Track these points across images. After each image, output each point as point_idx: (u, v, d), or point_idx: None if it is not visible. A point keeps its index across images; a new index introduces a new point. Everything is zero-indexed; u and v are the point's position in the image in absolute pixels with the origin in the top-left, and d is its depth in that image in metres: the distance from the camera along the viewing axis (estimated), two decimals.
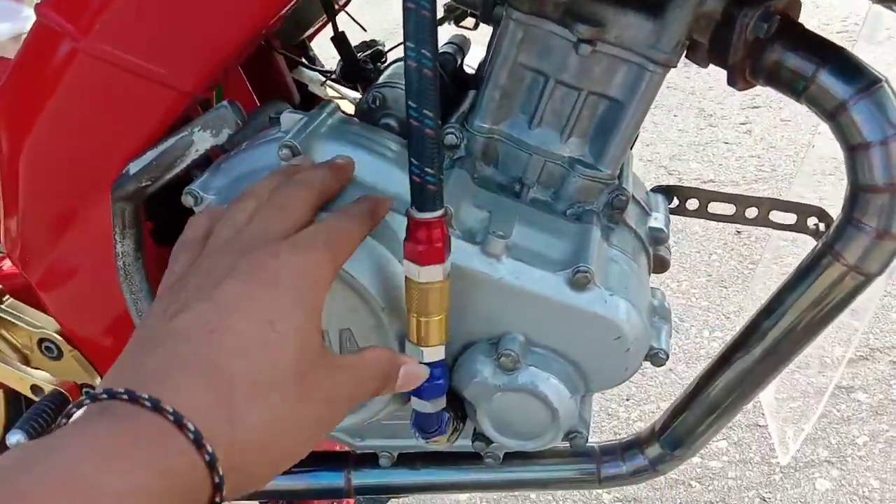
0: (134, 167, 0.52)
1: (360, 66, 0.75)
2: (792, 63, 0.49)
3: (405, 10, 0.42)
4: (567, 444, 0.65)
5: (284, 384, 0.35)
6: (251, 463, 0.33)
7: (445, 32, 0.79)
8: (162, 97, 0.56)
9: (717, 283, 1.94)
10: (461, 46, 0.73)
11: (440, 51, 0.71)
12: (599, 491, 1.40)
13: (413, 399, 0.51)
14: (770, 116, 2.80)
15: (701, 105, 2.92)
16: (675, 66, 0.53)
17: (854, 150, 0.48)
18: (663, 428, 0.66)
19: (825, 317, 0.54)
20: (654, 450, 0.67)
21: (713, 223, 2.22)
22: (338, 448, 0.75)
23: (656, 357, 0.54)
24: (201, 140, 0.51)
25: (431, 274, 0.45)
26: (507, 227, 0.53)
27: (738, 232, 2.17)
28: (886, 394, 1.51)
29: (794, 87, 0.49)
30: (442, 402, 0.51)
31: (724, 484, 1.37)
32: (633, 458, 0.68)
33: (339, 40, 0.76)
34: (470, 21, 0.76)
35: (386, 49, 0.80)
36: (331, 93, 0.87)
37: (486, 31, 0.62)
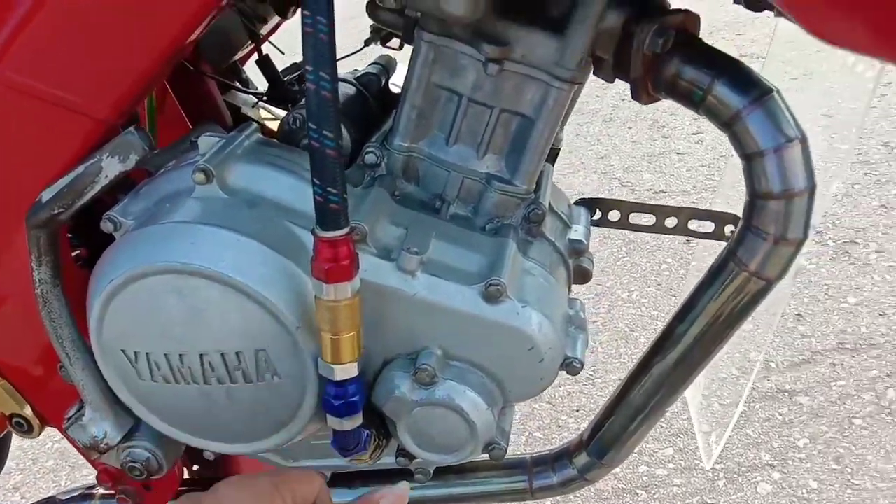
0: (46, 195, 0.52)
1: (285, 87, 0.76)
2: (689, 76, 0.51)
3: (304, 33, 0.43)
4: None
5: None
6: None
7: (373, 53, 0.80)
8: (77, 125, 0.55)
9: (666, 292, 1.97)
10: (386, 67, 0.74)
11: (365, 71, 0.72)
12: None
13: (329, 418, 0.51)
14: None
15: (654, 116, 2.97)
16: (582, 83, 0.54)
17: (750, 159, 0.50)
18: (590, 437, 0.67)
19: (730, 323, 0.55)
20: (581, 458, 0.67)
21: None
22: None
23: (571, 366, 0.55)
24: (110, 166, 0.51)
25: (339, 291, 0.46)
26: (423, 243, 0.54)
27: (688, 241, 2.20)
28: (826, 396, 1.54)
29: (692, 98, 0.51)
30: (358, 420, 0.52)
31: (670, 491, 1.39)
32: (563, 468, 0.69)
33: (264, 63, 0.77)
34: (396, 42, 0.77)
35: None
36: (264, 114, 0.87)
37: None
